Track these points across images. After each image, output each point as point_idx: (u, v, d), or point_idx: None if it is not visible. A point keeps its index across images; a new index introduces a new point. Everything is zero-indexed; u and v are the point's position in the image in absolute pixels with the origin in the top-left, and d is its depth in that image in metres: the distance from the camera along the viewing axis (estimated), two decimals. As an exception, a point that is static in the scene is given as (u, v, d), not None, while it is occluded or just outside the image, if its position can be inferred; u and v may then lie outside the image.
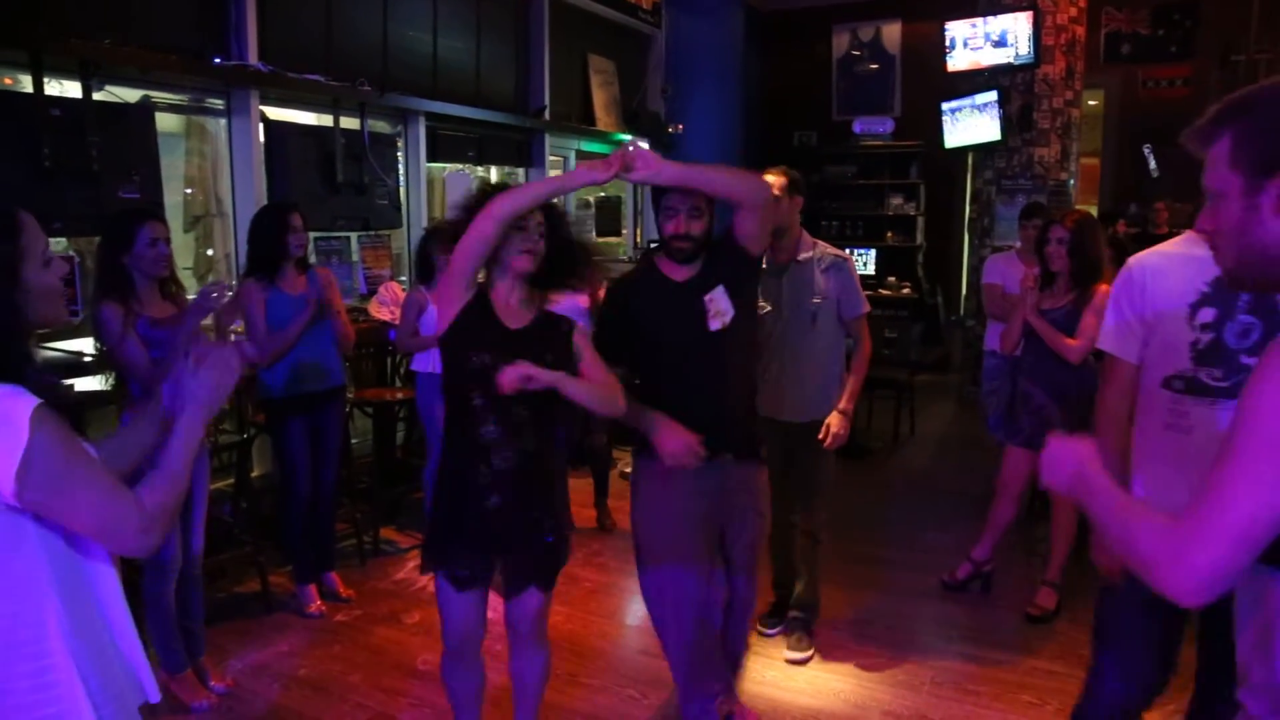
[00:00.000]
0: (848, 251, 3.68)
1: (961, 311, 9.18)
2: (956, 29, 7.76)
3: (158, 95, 4.57)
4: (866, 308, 3.56)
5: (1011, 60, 7.40)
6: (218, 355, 1.67)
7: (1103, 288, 3.73)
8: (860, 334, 3.56)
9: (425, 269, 4.54)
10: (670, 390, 2.66)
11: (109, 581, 1.60)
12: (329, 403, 4.01)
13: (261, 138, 4.93)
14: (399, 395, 5.05)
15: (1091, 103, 8.95)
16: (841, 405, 3.45)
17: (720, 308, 2.65)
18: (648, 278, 2.75)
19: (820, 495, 3.63)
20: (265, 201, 4.75)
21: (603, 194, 9.21)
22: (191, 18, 4.59)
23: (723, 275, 2.70)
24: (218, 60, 4.60)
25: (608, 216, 8.66)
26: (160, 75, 4.45)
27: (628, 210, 8.99)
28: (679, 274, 2.71)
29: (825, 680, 3.49)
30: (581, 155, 8.29)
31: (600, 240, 8.71)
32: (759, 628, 3.78)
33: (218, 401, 1.67)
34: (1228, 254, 1.31)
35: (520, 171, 7.41)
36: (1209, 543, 1.11)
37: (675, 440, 2.52)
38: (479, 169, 7.23)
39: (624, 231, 8.89)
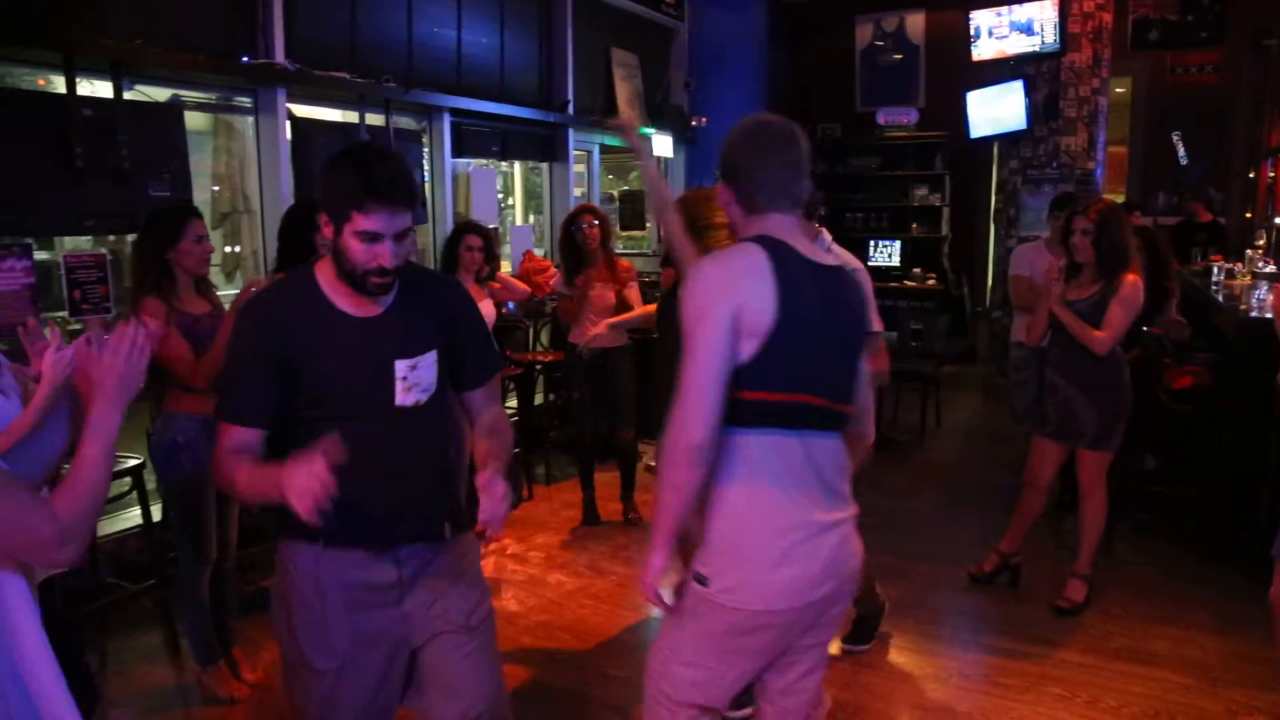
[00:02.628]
0: (861, 255, 3.42)
1: (988, 303, 9.13)
2: (982, 18, 7.71)
3: (187, 94, 4.63)
4: (879, 325, 2.94)
5: (1037, 48, 7.35)
6: (121, 336, 1.51)
7: (1129, 278, 3.68)
8: (873, 353, 2.77)
9: (451, 264, 4.56)
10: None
11: (19, 605, 1.39)
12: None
13: (288, 135, 4.97)
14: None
15: (1119, 90, 8.85)
16: None
17: (421, 379, 1.97)
18: (308, 304, 1.94)
19: None
20: (292, 199, 4.79)
21: (625, 187, 9.22)
22: (220, 17, 4.63)
23: (433, 323, 2.01)
24: (245, 59, 4.64)
25: (631, 210, 8.66)
26: (189, 74, 4.50)
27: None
28: (359, 307, 1.95)
29: (852, 673, 3.49)
30: (605, 150, 8.29)
31: (624, 234, 8.72)
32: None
33: (130, 388, 1.51)
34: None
35: (544, 166, 7.43)
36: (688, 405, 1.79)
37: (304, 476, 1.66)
38: (504, 164, 7.26)
39: (648, 225, 8.88)
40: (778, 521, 1.85)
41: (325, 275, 1.96)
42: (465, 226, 4.71)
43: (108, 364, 1.48)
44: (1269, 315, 3.95)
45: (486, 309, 4.60)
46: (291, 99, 5.02)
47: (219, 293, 3.45)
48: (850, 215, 9.94)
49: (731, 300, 1.80)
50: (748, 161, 1.96)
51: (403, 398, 1.94)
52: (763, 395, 1.83)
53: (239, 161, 5.24)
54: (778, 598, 1.86)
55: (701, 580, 1.91)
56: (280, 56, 4.77)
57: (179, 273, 3.15)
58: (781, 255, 1.86)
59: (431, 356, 1.97)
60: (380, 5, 5.62)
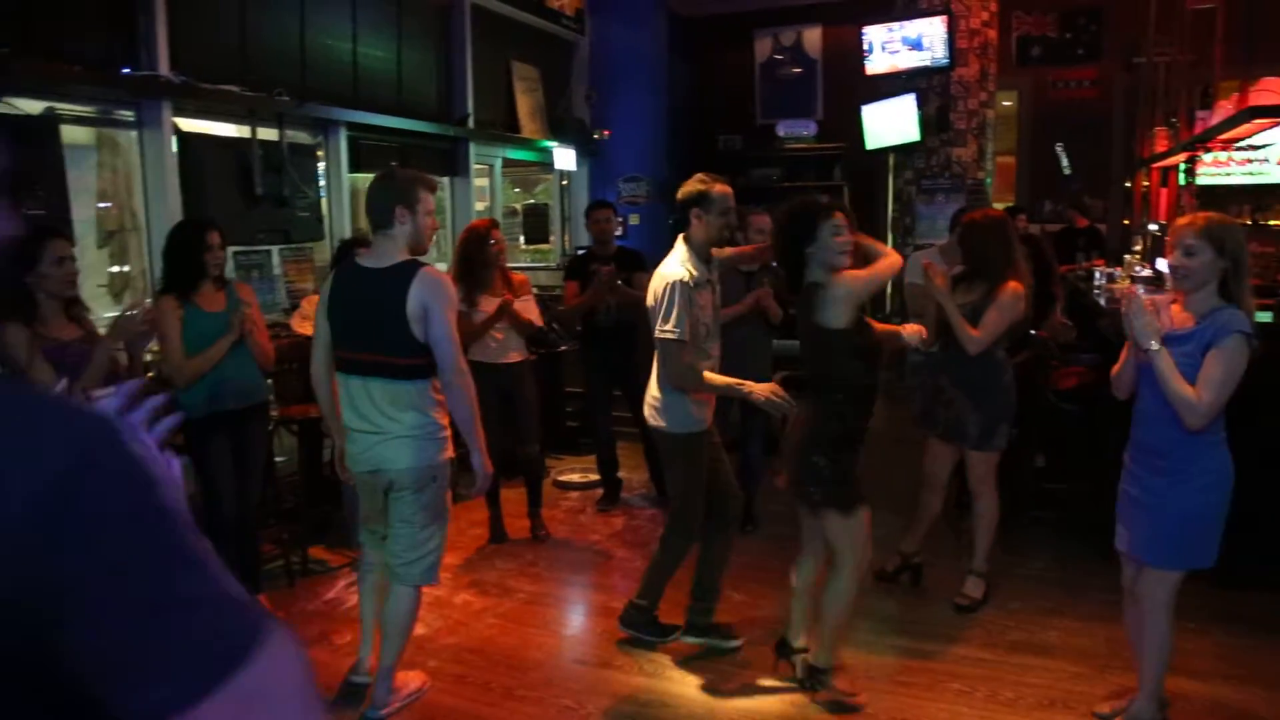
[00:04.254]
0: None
1: (887, 309, 9.34)
2: (874, 33, 7.91)
3: (63, 107, 4.41)
4: None
5: (928, 63, 7.57)
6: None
7: (1010, 286, 3.83)
8: None
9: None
10: None
11: None
12: (251, 420, 3.92)
13: (175, 150, 4.80)
14: (325, 410, 4.95)
15: (1006, 103, 9.19)
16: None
17: None
18: None
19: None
20: (181, 216, 4.63)
21: (530, 200, 9.18)
22: (98, 27, 4.45)
23: None
24: (126, 71, 4.47)
25: (536, 223, 8.63)
26: (65, 86, 4.31)
27: (555, 216, 8.97)
28: None
29: (754, 675, 3.52)
30: (507, 163, 8.24)
31: (530, 248, 8.68)
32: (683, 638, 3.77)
33: None
34: None
35: (445, 180, 7.34)
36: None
37: None
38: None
39: (552, 239, 8.86)
40: (346, 423, 3.18)
41: None
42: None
43: None
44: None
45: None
46: (179, 113, 4.85)
47: (108, 314, 3.31)
48: (753, 226, 10.06)
49: (320, 301, 3.20)
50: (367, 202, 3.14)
51: None
52: (336, 353, 3.15)
53: (124, 178, 5.04)
54: (351, 464, 3.23)
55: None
56: (164, 68, 4.61)
57: (41, 297, 3.02)
58: (344, 266, 3.22)
59: None
60: (271, 16, 5.48)
